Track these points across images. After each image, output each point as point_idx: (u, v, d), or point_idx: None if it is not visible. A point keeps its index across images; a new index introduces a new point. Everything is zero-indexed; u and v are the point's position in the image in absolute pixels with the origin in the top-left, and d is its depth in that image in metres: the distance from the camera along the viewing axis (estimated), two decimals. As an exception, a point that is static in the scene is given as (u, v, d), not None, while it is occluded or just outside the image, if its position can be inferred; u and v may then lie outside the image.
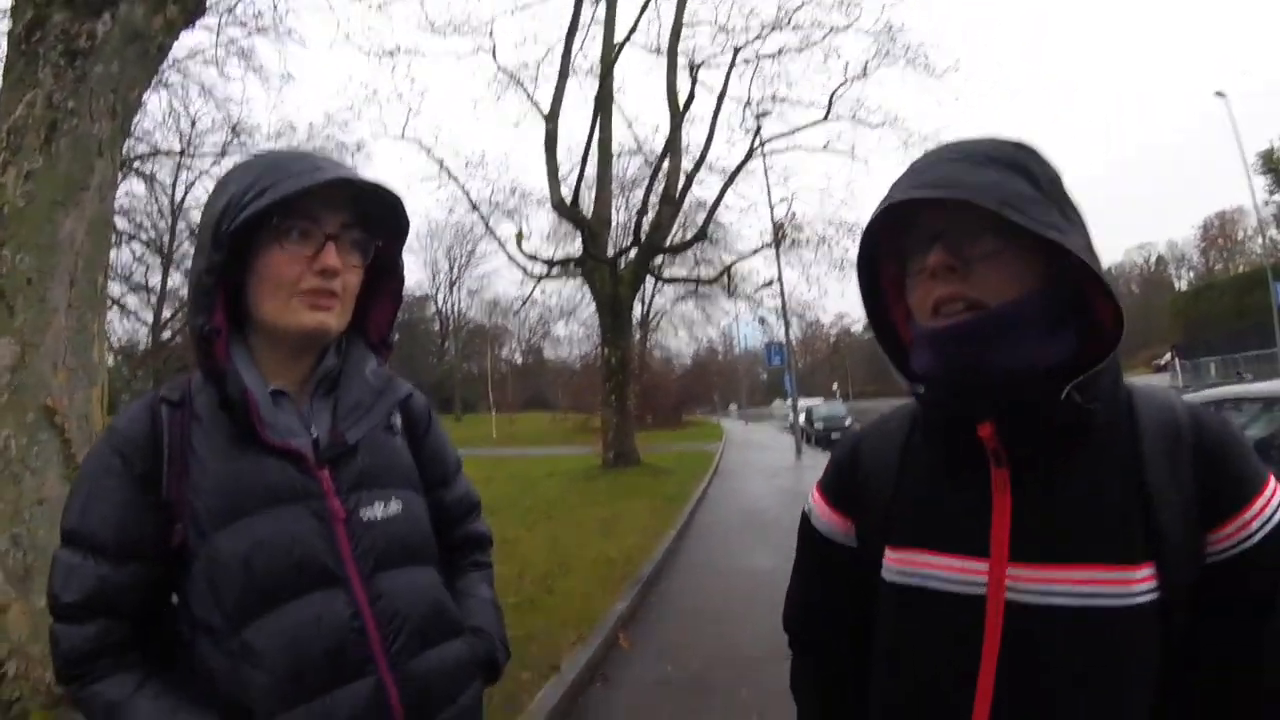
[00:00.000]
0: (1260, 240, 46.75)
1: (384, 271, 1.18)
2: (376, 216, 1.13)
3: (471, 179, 18.94)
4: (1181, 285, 61.43)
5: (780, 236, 18.86)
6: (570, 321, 25.00)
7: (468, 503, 1.36)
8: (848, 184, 34.98)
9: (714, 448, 24.72)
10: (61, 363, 2.90)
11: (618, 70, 16.60)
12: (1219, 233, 61.59)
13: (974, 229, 0.88)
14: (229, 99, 14.87)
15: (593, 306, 18.03)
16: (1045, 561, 0.85)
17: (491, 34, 16.97)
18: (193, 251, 1.13)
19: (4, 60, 2.97)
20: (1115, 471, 0.87)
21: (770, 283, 20.19)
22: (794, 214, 19.26)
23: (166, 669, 1.02)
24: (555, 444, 26.81)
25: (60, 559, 1.01)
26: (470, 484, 1.39)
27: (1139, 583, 0.82)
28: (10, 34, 2.94)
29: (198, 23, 3.48)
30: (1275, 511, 0.84)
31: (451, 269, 47.80)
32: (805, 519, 1.13)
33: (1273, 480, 0.87)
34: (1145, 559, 0.83)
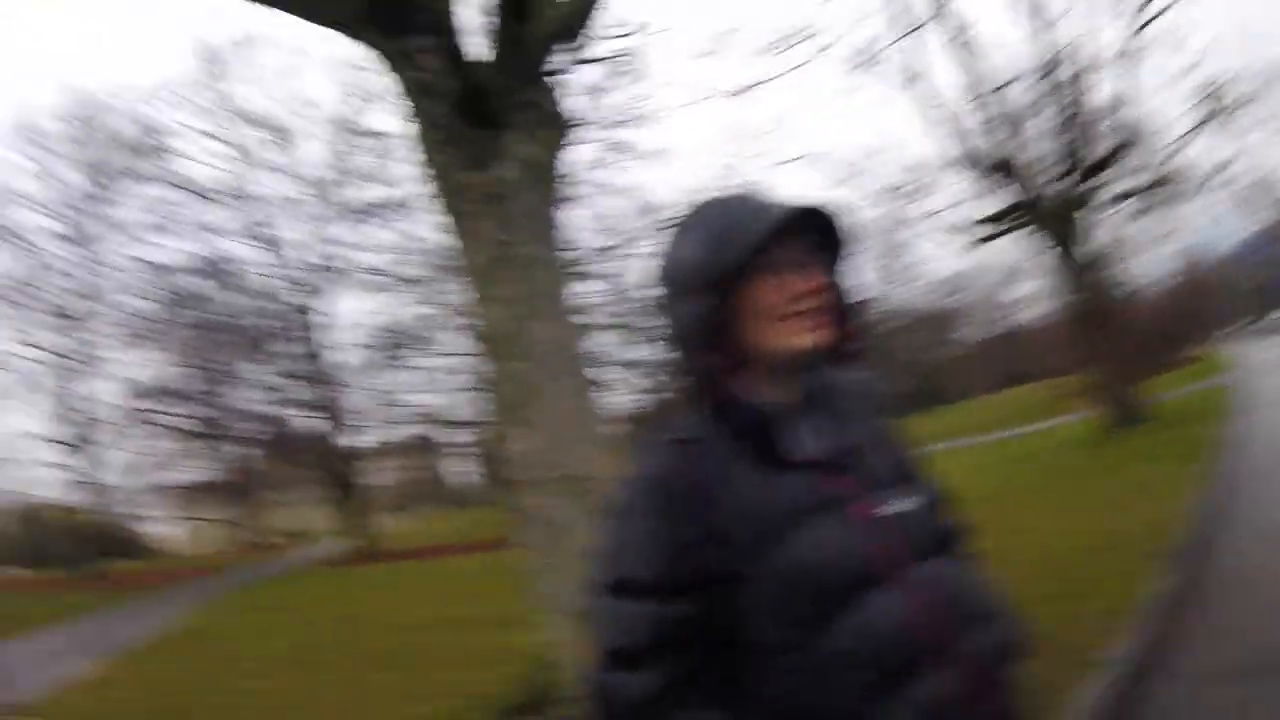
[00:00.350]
0: None
1: (839, 284, 1.23)
2: (824, 235, 1.18)
3: (870, 171, 18.35)
4: None
5: (1214, 110, 15.72)
6: (1024, 280, 22.29)
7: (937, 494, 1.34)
8: (1263, 17, 26.68)
9: (1227, 380, 20.55)
10: (572, 437, 3.56)
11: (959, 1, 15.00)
12: None
13: None
14: (629, 188, 17.03)
15: (1043, 258, 16.26)
16: None
17: (821, 33, 16.36)
18: (662, 308, 1.22)
19: (445, 221, 3.79)
20: None
21: (1223, 166, 16.49)
22: (1215, 77, 15.88)
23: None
24: (1042, 417, 24.01)
25: (608, 608, 1.07)
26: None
27: None
28: (445, 204, 3.74)
29: (579, 136, 4.11)
30: None
31: (882, 264, 47.45)
32: None
33: None
34: None
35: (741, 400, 1.12)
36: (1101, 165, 15.67)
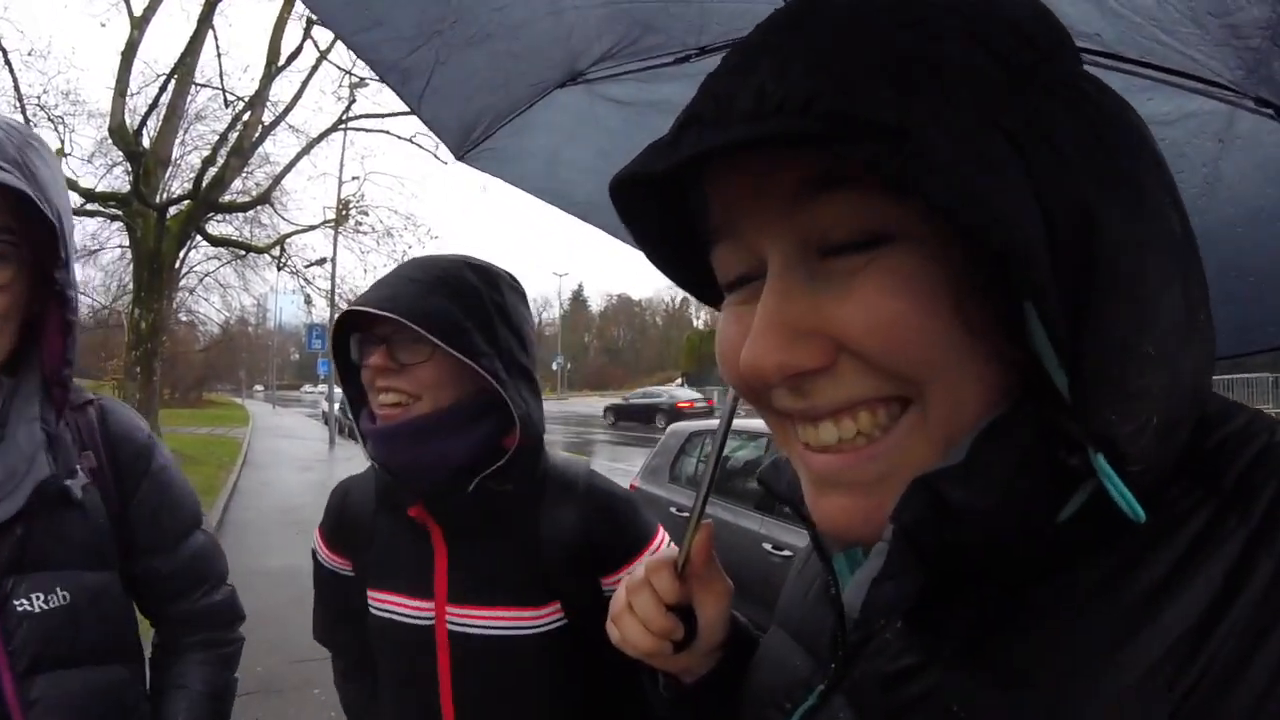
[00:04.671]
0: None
1: (46, 287, 0.97)
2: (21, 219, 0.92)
3: (27, 70, 14.53)
4: (699, 324, 73.42)
5: (343, 216, 17.97)
6: (88, 266, 19.30)
7: (197, 573, 1.17)
8: (424, 178, 34.34)
9: (241, 433, 22.67)
10: None
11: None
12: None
13: (412, 338, 0.98)
14: None
15: (120, 253, 15.09)
16: (473, 603, 1.05)
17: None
18: None
19: None
20: (522, 535, 1.06)
21: (323, 261, 18.87)
22: (363, 195, 18.54)
23: None
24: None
25: None
26: (209, 547, 1.20)
27: (545, 617, 1.04)
28: None
29: None
30: None
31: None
32: (314, 553, 1.25)
33: (661, 532, 1.12)
34: (550, 599, 1.05)
35: None
36: (233, 208, 16.24)
